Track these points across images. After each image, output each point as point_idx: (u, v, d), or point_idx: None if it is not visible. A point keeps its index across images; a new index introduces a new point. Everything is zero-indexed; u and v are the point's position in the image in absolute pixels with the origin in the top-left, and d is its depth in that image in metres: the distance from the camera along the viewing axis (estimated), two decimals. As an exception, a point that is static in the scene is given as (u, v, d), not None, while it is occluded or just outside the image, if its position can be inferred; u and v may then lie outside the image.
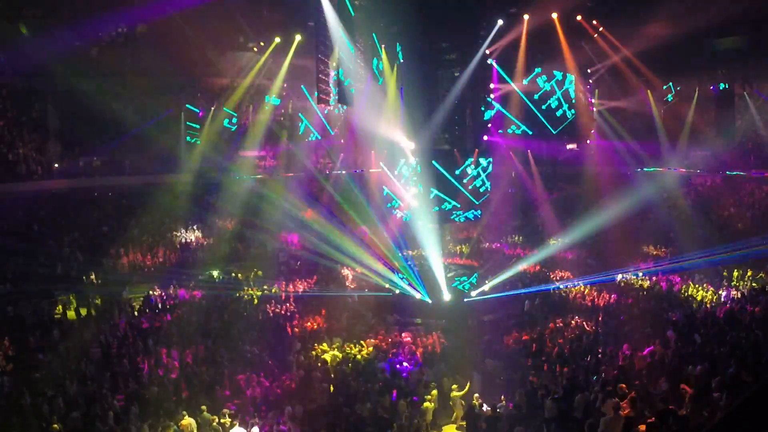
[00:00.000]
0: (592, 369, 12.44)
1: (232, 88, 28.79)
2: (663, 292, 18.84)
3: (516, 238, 26.76)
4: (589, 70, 27.46)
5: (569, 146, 30.79)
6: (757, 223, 23.29)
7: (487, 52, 22.08)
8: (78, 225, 24.03)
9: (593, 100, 28.81)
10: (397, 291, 19.89)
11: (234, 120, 28.76)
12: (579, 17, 24.87)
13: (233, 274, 22.09)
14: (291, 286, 20.67)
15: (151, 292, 19.39)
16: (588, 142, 29.88)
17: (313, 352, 14.75)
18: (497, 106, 22.80)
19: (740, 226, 23.53)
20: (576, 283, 19.83)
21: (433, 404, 11.94)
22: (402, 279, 20.34)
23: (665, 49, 24.09)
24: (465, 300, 19.27)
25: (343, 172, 29.34)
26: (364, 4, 19.82)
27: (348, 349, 14.93)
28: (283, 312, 17.99)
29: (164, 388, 12.15)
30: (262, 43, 26.96)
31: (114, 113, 24.77)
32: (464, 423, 11.88)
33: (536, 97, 24.55)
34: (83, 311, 17.86)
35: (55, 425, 10.28)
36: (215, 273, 22.01)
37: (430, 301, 19.10)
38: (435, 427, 12.04)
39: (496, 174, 23.31)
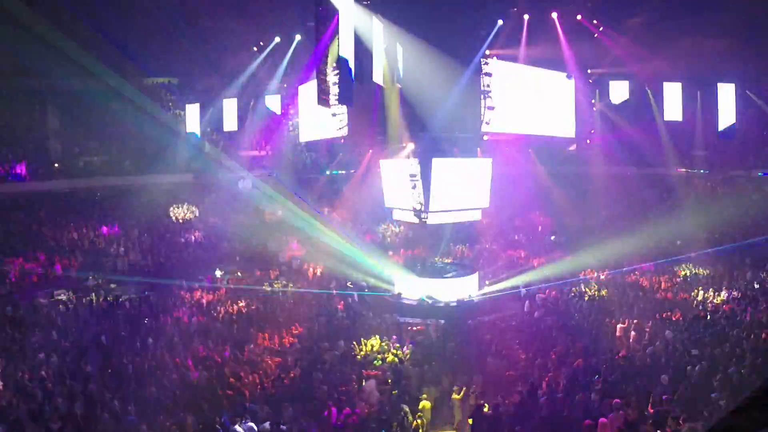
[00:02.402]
0: (592, 369, 12.45)
1: (231, 87, 28.82)
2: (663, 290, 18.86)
3: (516, 237, 26.82)
4: (589, 71, 27.46)
5: (570, 148, 30.81)
6: (757, 223, 23.32)
7: (488, 52, 22.07)
8: (77, 225, 24.08)
9: (593, 100, 28.81)
10: (397, 291, 19.90)
11: (234, 119, 28.78)
12: (579, 16, 24.88)
13: (237, 274, 22.11)
14: (290, 285, 20.71)
15: (149, 293, 19.41)
16: (588, 141, 29.90)
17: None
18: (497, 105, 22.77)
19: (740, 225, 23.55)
20: (576, 281, 19.82)
21: (430, 404, 11.93)
22: (400, 279, 20.34)
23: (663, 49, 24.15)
24: (465, 300, 19.27)
25: (343, 171, 29.38)
26: (364, 4, 19.80)
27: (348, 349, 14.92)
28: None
29: (164, 389, 12.13)
30: (261, 43, 26.99)
31: (114, 113, 24.84)
32: (457, 427, 11.92)
33: (538, 96, 24.53)
34: (83, 311, 17.83)
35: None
36: (218, 273, 22.02)
37: (429, 301, 19.10)
38: (434, 427, 12.02)
39: (497, 174, 23.28)
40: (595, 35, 25.63)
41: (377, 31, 18.86)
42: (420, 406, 11.60)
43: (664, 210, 25.67)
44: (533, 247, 25.37)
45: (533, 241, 26.39)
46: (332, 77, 17.53)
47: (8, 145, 24.53)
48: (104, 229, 24.52)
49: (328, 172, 30.23)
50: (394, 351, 14.47)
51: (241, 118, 28.91)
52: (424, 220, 19.92)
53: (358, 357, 14.29)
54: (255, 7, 25.48)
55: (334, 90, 17.75)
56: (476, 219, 21.69)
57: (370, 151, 24.19)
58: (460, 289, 19.52)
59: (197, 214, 26.08)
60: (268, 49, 26.69)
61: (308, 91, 25.59)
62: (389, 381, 13.00)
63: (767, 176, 25.73)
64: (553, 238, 25.84)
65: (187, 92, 28.52)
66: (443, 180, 19.60)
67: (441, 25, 20.78)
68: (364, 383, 12.61)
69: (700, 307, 16.83)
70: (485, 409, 11.08)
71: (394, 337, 15.83)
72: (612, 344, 14.16)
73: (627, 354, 13.17)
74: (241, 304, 18.42)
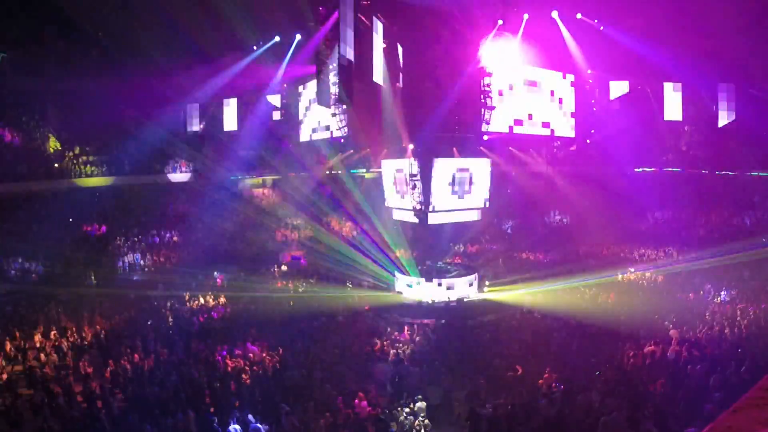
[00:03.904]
0: (593, 369, 12.47)
1: (232, 87, 28.80)
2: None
3: (508, 229, 26.97)
4: (589, 71, 27.42)
5: (570, 148, 30.79)
6: (756, 223, 23.35)
7: (487, 52, 22.07)
8: (79, 225, 24.09)
9: (593, 100, 28.77)
10: (397, 290, 19.94)
11: (235, 119, 28.79)
12: (579, 15, 24.85)
13: (240, 274, 22.12)
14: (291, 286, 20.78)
15: (152, 292, 19.41)
16: (587, 141, 29.86)
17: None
18: (497, 104, 22.79)
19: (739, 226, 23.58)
20: (578, 281, 19.85)
21: (426, 404, 11.92)
22: (399, 279, 20.37)
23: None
24: (465, 300, 19.30)
25: (342, 171, 29.37)
26: (365, 4, 19.81)
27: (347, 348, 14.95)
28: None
29: (164, 388, 12.14)
30: (261, 42, 26.99)
31: (114, 113, 24.84)
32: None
33: (536, 96, 24.54)
34: (83, 311, 17.84)
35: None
36: (216, 274, 22.01)
37: (430, 301, 19.13)
38: (434, 427, 12.02)
39: (496, 173, 23.33)
40: (596, 34, 25.58)
41: (377, 31, 18.86)
42: (416, 407, 11.61)
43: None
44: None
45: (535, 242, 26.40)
46: (332, 77, 17.54)
47: (8, 145, 24.55)
48: (104, 228, 24.55)
49: (327, 172, 30.26)
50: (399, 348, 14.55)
51: (242, 118, 28.90)
52: (424, 220, 19.95)
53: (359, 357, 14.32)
54: (255, 7, 25.45)
55: (333, 90, 17.76)
56: (475, 219, 21.70)
57: (371, 151, 24.23)
58: (459, 289, 19.57)
59: (201, 234, 25.87)
60: (264, 48, 26.67)
61: (308, 90, 25.64)
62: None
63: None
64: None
65: (189, 92, 28.43)
66: (442, 179, 19.63)
67: (441, 24, 20.77)
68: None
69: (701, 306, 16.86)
70: (485, 410, 11.09)
71: (395, 334, 15.89)
72: (612, 344, 14.16)
73: (629, 353, 13.18)
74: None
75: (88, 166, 26.19)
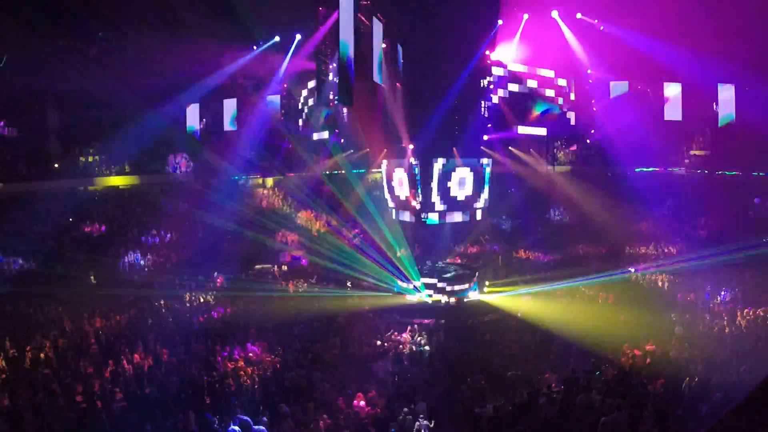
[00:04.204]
0: (593, 369, 12.47)
1: (233, 86, 28.79)
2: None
3: (508, 229, 26.97)
4: (589, 71, 27.42)
5: (570, 147, 30.85)
6: (756, 224, 23.35)
7: (487, 52, 22.10)
8: (78, 225, 24.09)
9: (593, 100, 28.77)
10: (397, 291, 19.95)
11: (234, 119, 28.77)
12: (579, 15, 24.85)
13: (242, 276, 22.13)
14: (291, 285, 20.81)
15: (152, 292, 19.40)
16: (587, 141, 29.88)
17: None
18: (496, 104, 22.83)
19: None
20: (578, 282, 19.86)
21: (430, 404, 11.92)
22: (401, 279, 20.38)
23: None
24: (465, 300, 19.31)
25: (343, 171, 29.41)
26: (365, 4, 19.84)
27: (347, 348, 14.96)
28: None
29: (165, 389, 12.14)
30: (261, 42, 26.99)
31: (114, 112, 24.84)
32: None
33: (535, 95, 24.54)
34: (83, 311, 17.84)
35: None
36: (216, 273, 22.00)
37: (430, 301, 19.13)
38: (434, 427, 12.01)
39: (496, 174, 23.36)
40: (596, 34, 25.58)
41: (377, 31, 18.86)
42: (416, 408, 11.61)
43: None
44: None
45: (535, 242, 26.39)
46: (332, 77, 17.56)
47: (8, 144, 24.57)
48: (103, 228, 24.53)
49: (327, 172, 30.28)
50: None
51: (241, 118, 28.87)
52: (424, 220, 19.96)
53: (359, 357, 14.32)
54: (255, 6, 25.46)
55: (333, 90, 17.78)
56: (475, 219, 21.71)
57: (372, 151, 24.24)
58: (459, 289, 19.56)
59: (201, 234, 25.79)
60: (264, 47, 26.66)
61: (308, 90, 25.64)
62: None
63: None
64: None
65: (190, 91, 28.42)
66: (442, 180, 19.64)
67: (442, 24, 20.80)
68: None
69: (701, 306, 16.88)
70: (485, 410, 11.08)
71: (396, 334, 15.91)
72: (612, 344, 14.16)
73: (629, 353, 13.19)
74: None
75: (88, 166, 26.21)
